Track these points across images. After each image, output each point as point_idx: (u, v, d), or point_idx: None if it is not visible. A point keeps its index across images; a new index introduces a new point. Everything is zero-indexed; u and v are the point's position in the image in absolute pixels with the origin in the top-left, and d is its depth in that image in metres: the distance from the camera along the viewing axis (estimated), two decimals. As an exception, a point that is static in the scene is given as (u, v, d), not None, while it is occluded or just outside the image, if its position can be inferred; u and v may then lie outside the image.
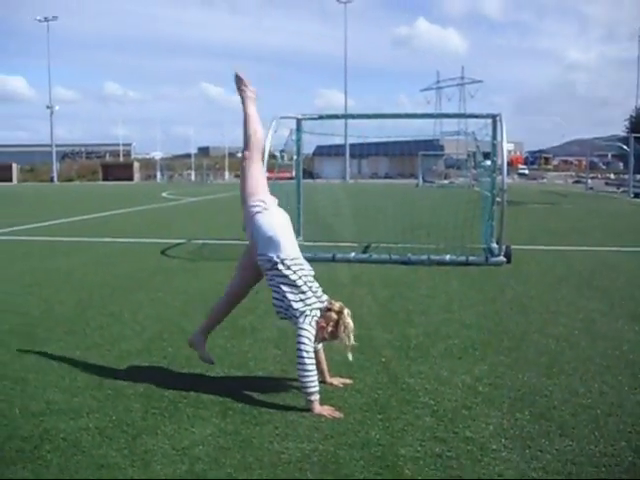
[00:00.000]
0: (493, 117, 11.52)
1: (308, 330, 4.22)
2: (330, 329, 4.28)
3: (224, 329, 6.14)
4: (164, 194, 37.84)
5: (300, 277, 4.38)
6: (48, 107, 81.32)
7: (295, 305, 4.29)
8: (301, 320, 4.26)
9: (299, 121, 12.60)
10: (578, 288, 8.31)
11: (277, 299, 4.39)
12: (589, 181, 50.35)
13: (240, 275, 4.83)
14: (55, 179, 78.60)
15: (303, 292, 4.33)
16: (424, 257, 10.49)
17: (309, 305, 4.30)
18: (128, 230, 15.99)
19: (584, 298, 7.65)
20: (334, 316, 4.28)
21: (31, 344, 5.66)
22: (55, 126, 79.98)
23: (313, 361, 4.20)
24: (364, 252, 11.50)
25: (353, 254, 10.92)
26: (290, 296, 4.30)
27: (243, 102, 4.96)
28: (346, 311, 4.31)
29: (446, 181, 56.89)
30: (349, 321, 4.29)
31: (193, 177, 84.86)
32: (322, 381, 4.44)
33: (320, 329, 4.27)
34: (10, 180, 75.16)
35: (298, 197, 13.00)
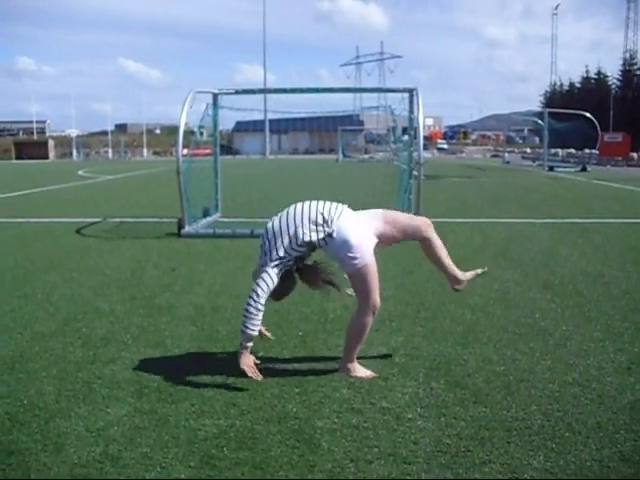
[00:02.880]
0: (410, 91, 11.59)
1: (271, 277, 4.19)
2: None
3: (140, 307, 6.08)
4: (80, 172, 36.95)
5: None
6: (-44, 83, 78.23)
7: (279, 252, 4.21)
8: (271, 264, 4.21)
9: (215, 96, 12.44)
10: (494, 259, 8.48)
11: (267, 240, 4.29)
12: (506, 155, 51.52)
13: None
14: (-36, 158, 75.71)
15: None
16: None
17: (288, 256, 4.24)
18: (42, 210, 15.57)
19: (499, 268, 7.81)
20: None
21: (-62, 328, 5.46)
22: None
23: (260, 307, 4.17)
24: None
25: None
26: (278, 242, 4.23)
27: None
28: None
29: (366, 156, 57.26)
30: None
31: (110, 155, 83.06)
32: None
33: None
34: None
35: (215, 173, 12.87)
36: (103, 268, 8.06)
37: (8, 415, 3.75)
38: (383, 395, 3.97)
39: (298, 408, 3.78)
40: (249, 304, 4.18)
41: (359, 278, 4.28)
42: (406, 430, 3.49)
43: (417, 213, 10.51)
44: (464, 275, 4.56)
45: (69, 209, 15.70)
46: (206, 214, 12.30)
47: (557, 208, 14.98)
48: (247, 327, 4.16)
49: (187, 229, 10.86)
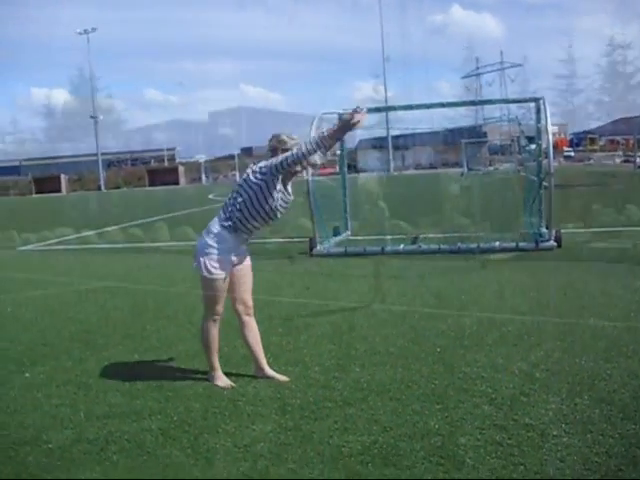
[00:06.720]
0: (536, 101, 11.38)
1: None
2: None
3: (278, 326, 6.21)
4: (211, 196, 38.04)
5: None
6: (92, 117, 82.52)
7: None
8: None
9: (341, 116, 12.58)
10: (633, 270, 8.17)
11: None
12: (638, 160, 49.35)
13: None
14: (102, 187, 79.63)
15: None
16: (474, 245, 10.42)
17: None
18: (180, 234, 16.11)
19: (638, 278, 7.52)
20: None
21: (90, 350, 5.79)
22: (99, 135, 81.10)
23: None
24: (413, 243, 11.44)
25: (402, 246, 10.90)
26: None
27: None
28: None
29: (491, 167, 56.30)
30: None
31: (238, 178, 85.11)
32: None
33: None
34: (59, 191, 76.68)
35: (344, 191, 13.00)
36: (239, 289, 8.27)
37: (161, 430, 3.95)
38: (526, 411, 3.91)
39: (440, 424, 3.78)
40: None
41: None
42: (552, 447, 3.43)
43: (549, 224, 10.28)
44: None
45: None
46: (336, 233, 12.43)
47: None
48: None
49: (318, 248, 11.02)
